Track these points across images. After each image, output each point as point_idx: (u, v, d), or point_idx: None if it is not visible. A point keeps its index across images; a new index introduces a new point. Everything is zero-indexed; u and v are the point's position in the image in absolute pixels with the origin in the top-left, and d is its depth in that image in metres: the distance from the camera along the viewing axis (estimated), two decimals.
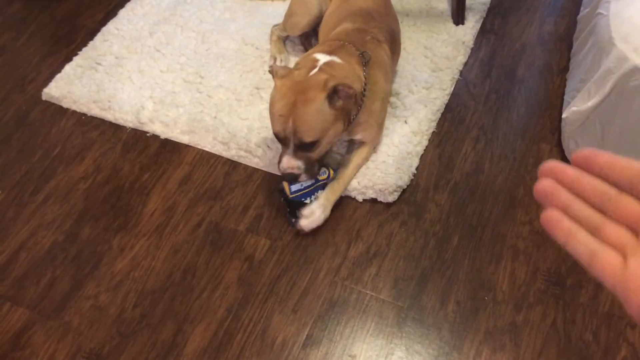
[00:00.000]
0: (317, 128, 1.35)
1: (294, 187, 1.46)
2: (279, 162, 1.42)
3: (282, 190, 1.47)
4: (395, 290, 1.39)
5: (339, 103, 1.34)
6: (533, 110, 1.76)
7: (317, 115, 1.33)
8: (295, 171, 1.40)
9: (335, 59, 1.42)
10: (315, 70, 1.37)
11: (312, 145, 1.37)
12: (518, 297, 1.36)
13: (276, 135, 1.39)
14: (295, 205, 1.48)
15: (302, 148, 1.38)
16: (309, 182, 1.47)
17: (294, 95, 1.32)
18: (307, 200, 1.47)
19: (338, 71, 1.39)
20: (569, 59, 1.87)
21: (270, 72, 1.39)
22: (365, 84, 1.46)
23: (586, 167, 0.42)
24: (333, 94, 1.32)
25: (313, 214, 1.47)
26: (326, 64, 1.39)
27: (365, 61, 1.47)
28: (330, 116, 1.35)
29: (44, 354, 1.32)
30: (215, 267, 1.45)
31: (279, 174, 1.61)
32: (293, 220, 1.49)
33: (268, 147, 1.67)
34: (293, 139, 1.35)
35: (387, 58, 1.60)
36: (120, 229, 1.53)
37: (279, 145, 1.65)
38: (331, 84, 1.31)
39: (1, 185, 1.64)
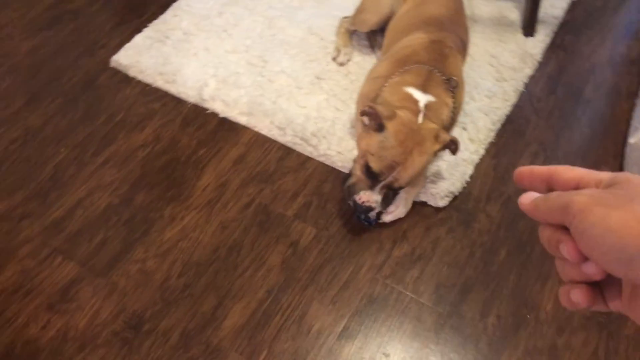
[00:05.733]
0: (418, 175, 1.38)
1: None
2: (354, 192, 1.38)
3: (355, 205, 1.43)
4: (436, 296, 1.39)
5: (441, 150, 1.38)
6: (597, 133, 1.72)
7: (425, 165, 1.37)
8: (373, 205, 1.38)
9: (431, 98, 1.42)
10: (421, 116, 1.37)
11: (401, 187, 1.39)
12: (562, 320, 1.34)
13: (373, 172, 1.35)
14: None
15: (389, 186, 1.37)
16: None
17: (412, 145, 1.32)
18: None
19: (438, 114, 1.42)
20: (639, 84, 1.82)
21: (368, 112, 1.35)
22: (453, 109, 1.48)
23: (529, 182, 0.45)
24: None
25: (397, 209, 1.50)
26: (427, 107, 1.40)
27: (452, 87, 1.47)
28: (430, 162, 1.40)
29: (89, 309, 1.37)
30: (260, 248, 1.47)
31: (329, 164, 1.62)
32: (365, 220, 1.48)
33: (323, 137, 1.68)
34: (388, 179, 1.34)
35: (462, 68, 1.60)
36: (173, 199, 1.57)
37: (333, 137, 1.67)
38: (444, 137, 1.34)
39: (65, 143, 1.70)
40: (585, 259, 0.38)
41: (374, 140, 1.34)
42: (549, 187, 0.44)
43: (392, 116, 1.33)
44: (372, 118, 1.35)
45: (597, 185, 0.40)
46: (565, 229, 0.39)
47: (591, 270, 0.38)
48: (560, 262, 0.42)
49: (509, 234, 1.49)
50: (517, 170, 0.46)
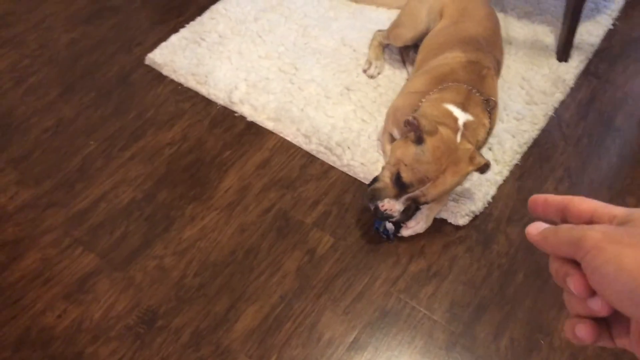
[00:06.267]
0: (448, 193, 1.39)
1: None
2: (379, 197, 1.37)
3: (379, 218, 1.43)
4: (450, 314, 1.38)
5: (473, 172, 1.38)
6: (625, 162, 1.70)
7: (455, 185, 1.37)
8: (394, 214, 1.37)
9: (470, 117, 1.42)
10: (459, 134, 1.37)
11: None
12: (575, 347, 1.32)
13: (402, 182, 1.34)
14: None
15: (415, 199, 1.37)
16: None
17: (446, 163, 1.31)
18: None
19: (475, 134, 1.42)
20: None
21: (411, 122, 1.34)
22: (489, 131, 1.48)
23: (543, 211, 0.44)
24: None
25: (417, 224, 1.49)
26: (465, 126, 1.40)
27: (490, 108, 1.47)
28: (460, 183, 1.40)
29: (105, 302, 1.40)
30: (277, 254, 1.48)
31: (352, 175, 1.63)
32: (384, 233, 1.48)
33: (348, 147, 1.69)
34: (416, 192, 1.34)
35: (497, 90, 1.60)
36: (195, 198, 1.59)
37: (357, 148, 1.67)
38: (479, 160, 1.34)
39: (94, 136, 1.73)
40: (591, 294, 0.38)
41: (410, 151, 1.34)
42: (563, 217, 0.43)
43: (434, 132, 1.32)
44: (413, 129, 1.35)
45: (611, 220, 0.40)
46: (574, 262, 0.39)
47: (597, 307, 0.38)
48: (567, 295, 0.41)
49: (527, 258, 1.48)
50: (531, 198, 0.45)
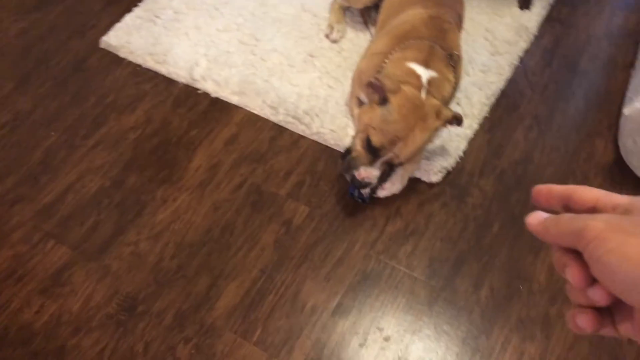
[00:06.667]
0: (418, 152, 1.37)
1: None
2: (354, 166, 1.35)
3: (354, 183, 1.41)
4: (430, 270, 1.39)
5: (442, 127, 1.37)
6: (591, 105, 1.70)
7: (426, 141, 1.36)
8: (372, 180, 1.37)
9: (433, 73, 1.40)
10: (424, 91, 1.36)
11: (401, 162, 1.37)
12: (554, 290, 1.34)
13: (374, 146, 1.32)
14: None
15: (389, 162, 1.36)
16: None
17: (414, 121, 1.30)
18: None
19: (440, 90, 1.41)
20: (635, 55, 1.79)
21: (374, 84, 1.33)
22: (454, 85, 1.47)
23: (546, 200, 0.43)
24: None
25: (394, 185, 1.49)
26: (429, 82, 1.38)
27: (453, 62, 1.46)
28: (431, 140, 1.39)
29: (83, 293, 1.37)
30: (253, 228, 1.47)
31: (322, 142, 1.61)
32: (359, 197, 1.47)
33: (316, 115, 1.66)
34: (389, 155, 1.33)
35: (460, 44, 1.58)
36: (165, 181, 1.56)
37: (326, 115, 1.65)
38: (446, 114, 1.33)
39: (54, 127, 1.68)
40: (590, 284, 0.37)
41: (377, 113, 1.33)
42: (566, 206, 0.42)
43: (397, 90, 1.31)
44: (377, 91, 1.34)
45: (614, 209, 0.39)
46: (574, 252, 0.38)
47: (597, 297, 0.37)
48: (568, 285, 0.40)
49: (501, 207, 1.48)
50: (535, 188, 0.44)
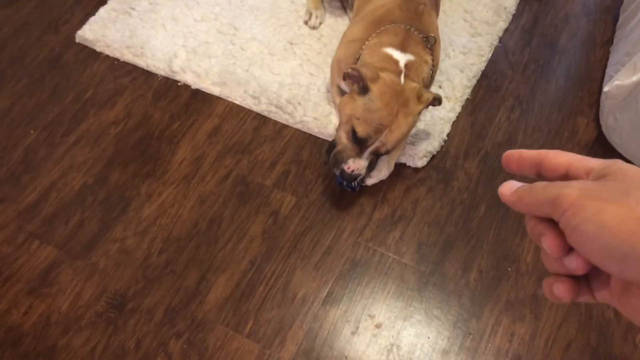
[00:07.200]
0: (405, 137, 1.37)
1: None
2: (342, 160, 1.34)
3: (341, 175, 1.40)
4: (418, 255, 1.40)
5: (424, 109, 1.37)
6: (572, 83, 1.71)
7: (410, 127, 1.35)
8: (361, 172, 1.36)
9: (410, 57, 1.40)
10: (402, 76, 1.35)
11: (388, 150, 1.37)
12: (542, 270, 1.35)
13: (359, 137, 1.32)
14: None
15: (376, 151, 1.35)
16: None
17: (397, 106, 1.30)
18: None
19: (419, 73, 1.41)
20: (613, 32, 1.81)
21: (351, 74, 1.31)
22: (432, 67, 1.47)
23: (517, 166, 0.43)
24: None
25: (381, 172, 1.49)
26: (407, 66, 1.38)
27: (430, 44, 1.45)
28: (415, 124, 1.38)
29: (71, 292, 1.36)
30: (240, 220, 1.46)
31: (306, 131, 1.60)
32: (348, 187, 1.46)
33: (299, 103, 1.65)
34: (376, 144, 1.32)
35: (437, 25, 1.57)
36: (149, 175, 1.54)
37: (308, 103, 1.64)
38: (426, 96, 1.33)
39: (33, 125, 1.65)
40: (566, 253, 0.37)
41: (359, 104, 1.32)
42: (538, 172, 0.41)
43: (376, 78, 1.30)
44: (355, 80, 1.32)
45: (587, 173, 0.38)
46: (549, 220, 0.37)
47: (573, 265, 0.37)
48: (544, 254, 0.40)
49: (487, 190, 1.49)
50: (505, 154, 0.43)
